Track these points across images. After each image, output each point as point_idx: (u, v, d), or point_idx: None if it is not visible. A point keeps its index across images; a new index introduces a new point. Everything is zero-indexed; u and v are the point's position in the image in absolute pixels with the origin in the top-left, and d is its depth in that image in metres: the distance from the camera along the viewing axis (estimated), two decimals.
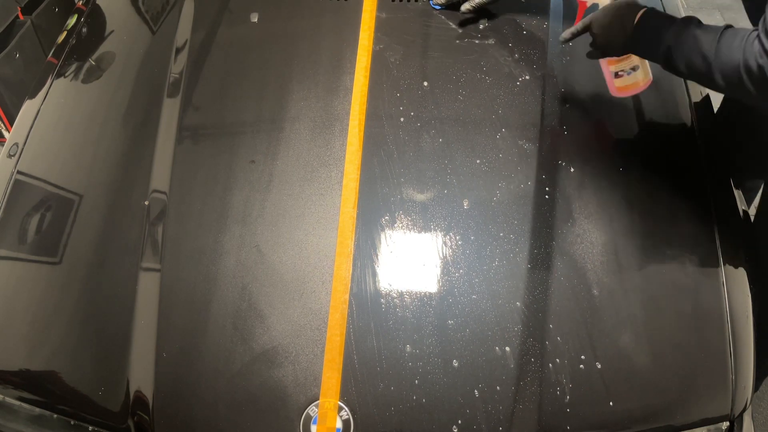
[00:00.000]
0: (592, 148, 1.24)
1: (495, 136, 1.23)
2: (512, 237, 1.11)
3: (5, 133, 2.27)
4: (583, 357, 1.01)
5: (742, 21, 1.08)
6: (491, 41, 1.38)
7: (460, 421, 0.97)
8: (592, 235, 1.12)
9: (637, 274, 1.10)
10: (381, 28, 1.40)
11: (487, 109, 1.27)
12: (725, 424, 1.04)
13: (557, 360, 1.01)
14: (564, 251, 1.10)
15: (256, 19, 1.47)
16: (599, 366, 1.01)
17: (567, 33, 1.22)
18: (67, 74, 1.47)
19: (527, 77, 1.32)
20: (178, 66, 1.39)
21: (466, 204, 1.15)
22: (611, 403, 0.99)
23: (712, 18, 3.37)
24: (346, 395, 0.99)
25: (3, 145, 1.39)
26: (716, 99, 1.38)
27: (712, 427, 1.03)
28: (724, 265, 1.11)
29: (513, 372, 1.00)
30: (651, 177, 1.21)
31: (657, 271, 1.11)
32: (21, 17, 2.29)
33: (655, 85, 1.24)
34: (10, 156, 1.32)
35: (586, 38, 1.19)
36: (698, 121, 1.29)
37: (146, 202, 1.19)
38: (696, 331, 1.07)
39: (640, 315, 1.06)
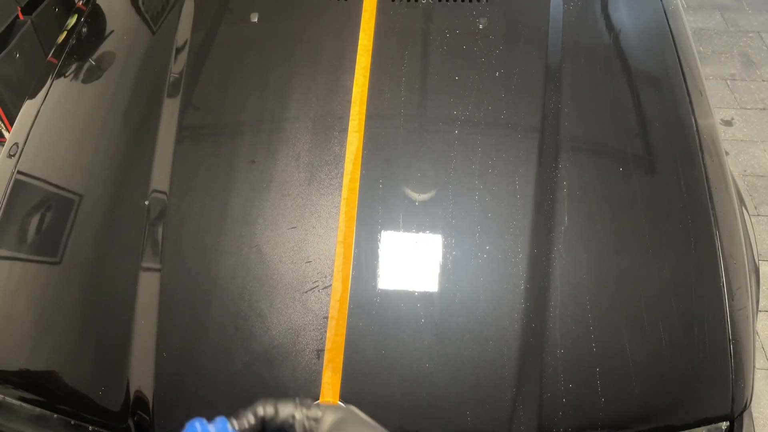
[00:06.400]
0: (593, 148, 1.24)
1: (496, 136, 1.23)
2: (512, 236, 1.11)
3: (5, 133, 2.27)
4: (582, 357, 1.01)
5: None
6: (492, 40, 1.38)
7: (459, 421, 0.97)
8: (592, 234, 1.12)
9: (637, 273, 1.10)
10: (381, 27, 1.40)
11: (488, 109, 1.27)
12: (725, 424, 1.04)
13: (557, 360, 1.01)
14: (564, 250, 1.10)
15: (256, 19, 1.47)
16: (599, 366, 1.01)
17: None
18: (67, 74, 1.47)
19: (528, 77, 1.32)
20: (178, 66, 1.39)
21: (466, 203, 1.15)
22: (611, 403, 0.99)
23: (712, 18, 3.36)
24: (345, 395, 0.99)
25: (3, 145, 1.39)
26: (715, 102, 1.38)
27: (712, 426, 1.03)
28: (724, 264, 1.11)
29: (513, 372, 1.00)
30: (650, 177, 1.21)
31: (657, 270, 1.11)
32: (21, 17, 2.29)
33: (653, 84, 1.24)
34: (10, 156, 1.32)
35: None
36: (696, 118, 1.29)
37: (146, 202, 1.19)
38: (696, 331, 1.07)
39: (640, 315, 1.06)
